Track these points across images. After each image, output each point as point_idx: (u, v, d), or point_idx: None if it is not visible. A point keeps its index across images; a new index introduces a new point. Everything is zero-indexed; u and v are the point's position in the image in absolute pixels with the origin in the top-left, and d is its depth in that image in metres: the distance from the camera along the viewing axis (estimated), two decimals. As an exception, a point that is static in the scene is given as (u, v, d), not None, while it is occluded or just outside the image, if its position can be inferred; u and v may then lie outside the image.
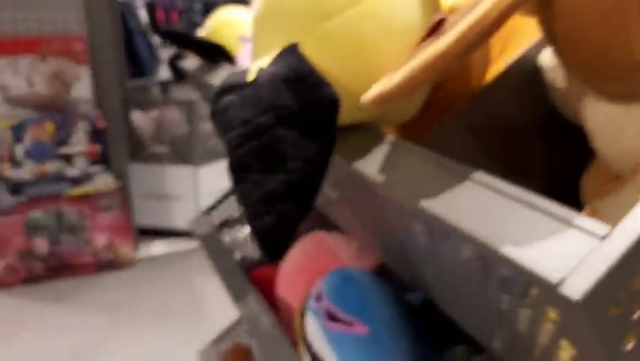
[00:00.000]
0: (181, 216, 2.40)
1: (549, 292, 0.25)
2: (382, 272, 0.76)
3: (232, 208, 1.12)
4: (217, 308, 1.96)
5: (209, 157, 2.53)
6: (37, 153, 2.20)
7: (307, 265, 0.92)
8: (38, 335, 1.91)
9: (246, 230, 1.10)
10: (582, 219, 0.27)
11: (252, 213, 0.47)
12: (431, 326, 0.70)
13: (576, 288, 0.24)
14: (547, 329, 0.29)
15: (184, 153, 2.55)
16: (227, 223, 1.11)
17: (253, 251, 1.08)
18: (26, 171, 2.16)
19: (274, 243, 0.48)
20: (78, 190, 2.20)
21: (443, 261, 0.40)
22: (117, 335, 1.90)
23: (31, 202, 2.16)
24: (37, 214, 2.17)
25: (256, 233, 0.48)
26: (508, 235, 0.28)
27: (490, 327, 0.36)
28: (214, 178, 2.42)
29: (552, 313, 0.28)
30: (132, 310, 2.04)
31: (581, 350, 0.28)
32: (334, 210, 0.66)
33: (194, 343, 1.54)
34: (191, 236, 2.51)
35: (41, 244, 2.20)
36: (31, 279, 2.20)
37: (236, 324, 1.33)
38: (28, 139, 2.19)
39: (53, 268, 2.22)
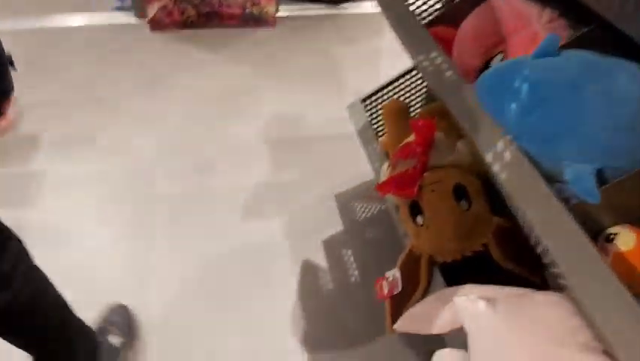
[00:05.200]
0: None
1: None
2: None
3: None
4: (355, 76, 2.08)
5: None
6: None
7: (487, 28, 0.93)
8: (190, 76, 2.12)
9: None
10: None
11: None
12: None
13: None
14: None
15: None
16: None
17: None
18: None
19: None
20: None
21: None
22: (260, 84, 2.07)
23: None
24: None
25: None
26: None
27: None
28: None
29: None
30: (274, 67, 2.19)
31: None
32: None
33: (335, 100, 1.67)
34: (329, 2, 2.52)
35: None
36: (184, 24, 2.37)
37: (384, 87, 1.39)
38: None
39: (203, 15, 2.37)
